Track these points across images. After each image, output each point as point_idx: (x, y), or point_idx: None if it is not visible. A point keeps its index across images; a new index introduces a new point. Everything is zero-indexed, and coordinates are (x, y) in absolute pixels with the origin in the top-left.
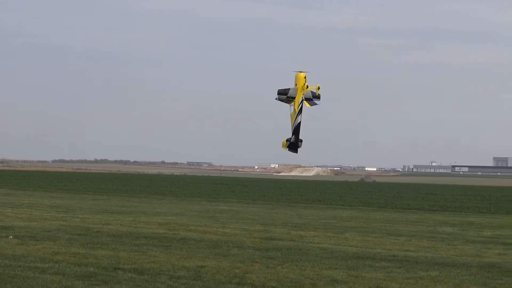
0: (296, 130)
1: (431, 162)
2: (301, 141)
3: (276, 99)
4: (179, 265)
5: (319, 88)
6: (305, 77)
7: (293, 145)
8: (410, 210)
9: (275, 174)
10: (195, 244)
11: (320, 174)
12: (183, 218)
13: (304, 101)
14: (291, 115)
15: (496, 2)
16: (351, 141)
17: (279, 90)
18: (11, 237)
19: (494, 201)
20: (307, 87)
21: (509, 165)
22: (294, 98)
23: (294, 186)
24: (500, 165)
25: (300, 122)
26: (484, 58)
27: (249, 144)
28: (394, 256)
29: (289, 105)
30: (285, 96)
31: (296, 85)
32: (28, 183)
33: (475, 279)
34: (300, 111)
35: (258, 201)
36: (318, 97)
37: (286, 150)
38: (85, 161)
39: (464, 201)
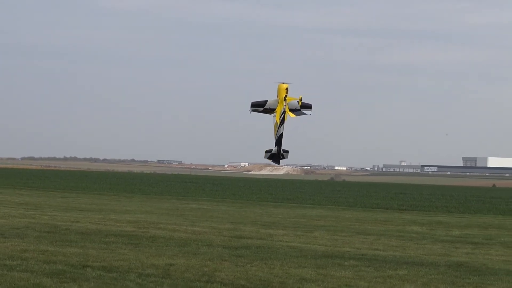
0: (278, 141)
1: (401, 162)
2: (286, 152)
3: (249, 111)
4: (148, 263)
5: (301, 99)
6: (287, 89)
7: (276, 156)
8: (379, 209)
9: (245, 172)
10: (165, 242)
11: (290, 173)
12: (153, 216)
13: (289, 112)
14: (274, 126)
15: (468, 3)
16: (321, 140)
17: (252, 102)
18: None
19: (462, 201)
20: (285, 98)
21: (477, 165)
22: (274, 109)
23: (264, 185)
24: (469, 165)
25: (282, 133)
26: (455, 58)
27: (219, 143)
28: (362, 255)
29: (272, 115)
30: (261, 108)
31: (278, 96)
32: None
33: (443, 278)
34: (282, 122)
35: (227, 200)
36: (309, 107)
37: (270, 161)
38: (55, 159)
39: (433, 200)
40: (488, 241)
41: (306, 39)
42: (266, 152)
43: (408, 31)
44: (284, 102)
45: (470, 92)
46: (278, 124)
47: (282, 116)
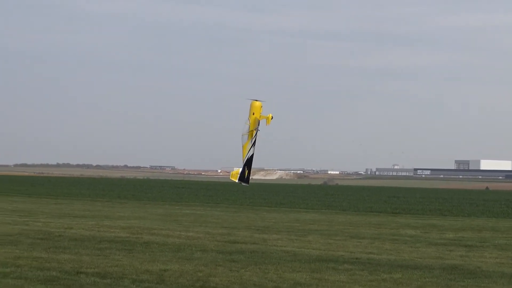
0: (248, 162)
1: (394, 165)
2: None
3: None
4: (142, 268)
5: (271, 118)
6: (261, 107)
7: (244, 176)
8: (373, 213)
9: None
10: (158, 247)
11: (283, 177)
12: (146, 221)
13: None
14: (243, 146)
15: (446, 6)
16: (314, 145)
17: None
18: None
19: (456, 204)
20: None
21: (470, 168)
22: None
23: (257, 190)
24: (462, 168)
25: (252, 155)
26: (446, 61)
27: (213, 148)
28: (357, 258)
29: (242, 134)
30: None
31: (253, 113)
32: None
33: (437, 281)
34: (254, 143)
35: (221, 205)
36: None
37: (236, 181)
38: (47, 165)
39: (426, 203)
40: (482, 243)
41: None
42: (234, 175)
43: (397, 34)
44: (256, 121)
45: (462, 95)
46: (249, 144)
47: (255, 138)
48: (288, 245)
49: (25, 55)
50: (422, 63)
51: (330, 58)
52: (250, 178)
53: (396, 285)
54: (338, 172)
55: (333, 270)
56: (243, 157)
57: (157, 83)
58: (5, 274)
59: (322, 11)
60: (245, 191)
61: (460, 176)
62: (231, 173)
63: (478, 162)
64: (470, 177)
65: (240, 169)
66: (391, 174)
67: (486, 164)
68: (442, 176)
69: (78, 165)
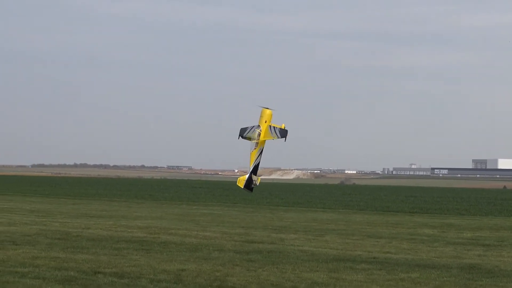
0: (254, 170)
1: (411, 165)
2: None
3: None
4: (159, 268)
5: (284, 128)
6: (271, 115)
7: (250, 184)
8: (390, 212)
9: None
10: (176, 247)
11: (300, 177)
12: (163, 221)
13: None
14: (251, 154)
15: (460, 6)
16: (331, 144)
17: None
18: None
19: (473, 203)
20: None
21: (488, 167)
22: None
23: (275, 189)
24: (479, 167)
25: (259, 163)
26: (464, 60)
27: (229, 148)
28: (374, 258)
29: (250, 141)
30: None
31: (265, 121)
32: (8, 188)
33: (455, 280)
34: (261, 152)
35: (238, 205)
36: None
37: (241, 187)
38: (65, 166)
39: (444, 203)
40: (500, 243)
41: (315, 44)
42: (240, 181)
43: (415, 33)
44: (268, 129)
45: (480, 94)
46: (256, 153)
47: (262, 149)
48: (306, 244)
49: (41, 57)
50: (439, 62)
51: (349, 57)
52: (257, 181)
53: (414, 285)
54: (355, 172)
55: (350, 269)
56: (250, 164)
57: (175, 84)
58: (23, 274)
59: (341, 11)
60: (262, 190)
61: (478, 176)
62: (238, 178)
63: (496, 161)
64: (488, 176)
65: (247, 176)
66: (408, 173)
67: (504, 163)
68: (459, 175)
69: (95, 166)
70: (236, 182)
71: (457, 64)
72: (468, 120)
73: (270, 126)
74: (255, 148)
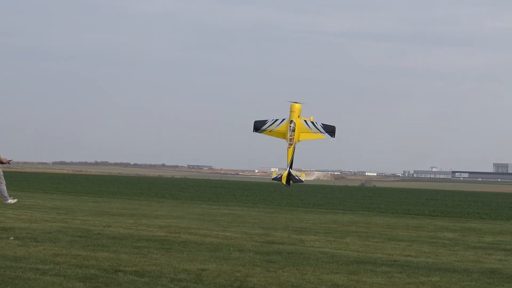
0: (291, 165)
1: (431, 168)
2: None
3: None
4: (180, 268)
5: (312, 120)
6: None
7: (289, 180)
8: (411, 215)
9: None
10: (196, 247)
11: (321, 178)
12: (184, 221)
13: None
14: (288, 151)
15: (490, 7)
16: (351, 146)
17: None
18: (12, 238)
19: (494, 207)
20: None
21: (509, 171)
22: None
23: (295, 190)
24: (501, 171)
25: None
26: (485, 62)
27: (250, 148)
28: (394, 261)
29: (286, 139)
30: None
31: (298, 116)
32: (29, 185)
33: (476, 285)
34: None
35: (258, 205)
36: (331, 131)
37: (282, 182)
38: (86, 163)
39: (465, 206)
40: None
41: (328, 43)
42: (284, 178)
43: (436, 35)
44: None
45: (501, 97)
46: (291, 150)
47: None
48: (326, 246)
49: (59, 54)
50: (460, 64)
51: (368, 58)
52: (302, 176)
53: None
54: (375, 174)
55: (370, 272)
56: (287, 161)
57: (195, 83)
58: (44, 271)
59: (363, 11)
60: (282, 192)
61: (499, 180)
62: (282, 175)
63: None
64: (509, 180)
65: (286, 172)
66: (428, 176)
67: None
68: (480, 179)
69: (116, 164)
70: (282, 180)
71: (479, 65)
72: (490, 124)
73: (306, 121)
74: (291, 144)
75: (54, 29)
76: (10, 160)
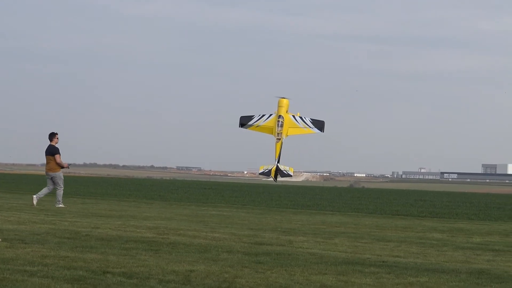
0: (278, 160)
1: (420, 169)
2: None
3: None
4: (168, 269)
5: (299, 116)
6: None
7: (277, 174)
8: (399, 216)
9: (264, 179)
10: (185, 248)
11: (309, 179)
12: (173, 222)
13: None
14: (276, 145)
15: (486, 10)
16: (340, 147)
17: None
18: (0, 240)
19: (483, 208)
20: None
21: (498, 172)
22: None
23: (283, 192)
24: (489, 172)
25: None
26: (472, 64)
27: (239, 149)
28: (383, 261)
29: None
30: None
31: (287, 112)
32: (17, 186)
33: (464, 285)
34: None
35: (247, 206)
36: (320, 126)
37: (271, 177)
38: (74, 165)
39: (453, 207)
40: (509, 248)
41: (319, 45)
42: (272, 172)
43: (423, 37)
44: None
45: (489, 98)
46: (279, 145)
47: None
48: (315, 247)
49: (49, 55)
50: (450, 66)
51: (359, 60)
52: (290, 171)
53: None
54: (364, 175)
55: (359, 273)
56: (275, 156)
57: (184, 84)
58: (32, 273)
59: (359, 14)
60: (271, 193)
61: (487, 180)
62: (271, 169)
63: (506, 166)
64: (498, 181)
65: (274, 167)
66: (417, 177)
67: None
68: (468, 180)
69: (105, 165)
70: (271, 174)
71: (469, 67)
72: (478, 125)
73: (294, 116)
74: (279, 139)
75: (47, 30)
76: (69, 164)
